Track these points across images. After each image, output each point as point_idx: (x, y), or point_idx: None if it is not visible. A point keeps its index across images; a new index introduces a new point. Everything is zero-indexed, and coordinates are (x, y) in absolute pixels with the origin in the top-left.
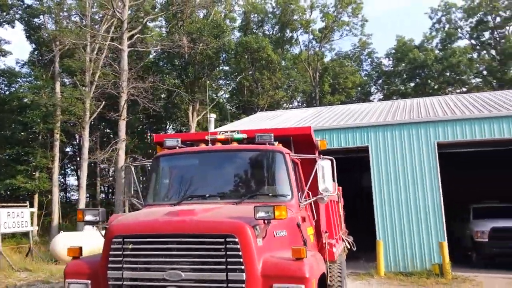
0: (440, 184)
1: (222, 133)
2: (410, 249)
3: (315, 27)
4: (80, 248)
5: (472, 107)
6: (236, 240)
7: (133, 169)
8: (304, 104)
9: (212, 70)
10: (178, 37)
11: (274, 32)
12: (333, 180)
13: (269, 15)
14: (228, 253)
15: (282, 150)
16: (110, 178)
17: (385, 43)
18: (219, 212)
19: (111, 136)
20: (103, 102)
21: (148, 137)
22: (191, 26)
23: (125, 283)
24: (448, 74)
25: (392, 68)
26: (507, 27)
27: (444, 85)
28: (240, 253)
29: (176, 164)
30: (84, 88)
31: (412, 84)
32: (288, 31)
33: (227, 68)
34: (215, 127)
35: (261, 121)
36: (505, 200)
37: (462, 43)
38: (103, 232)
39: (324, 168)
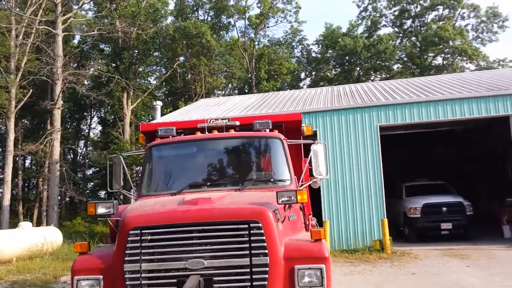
0: (381, 165)
1: (213, 121)
2: (353, 228)
3: (252, 13)
4: (88, 243)
5: (409, 92)
6: (260, 225)
7: (122, 159)
8: (237, 91)
9: (148, 56)
10: (111, 21)
11: (209, 17)
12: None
13: (204, 0)
14: (252, 238)
15: (280, 136)
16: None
17: (314, 30)
18: (236, 199)
19: (40, 126)
20: (31, 90)
21: (73, 126)
22: (125, 10)
23: (143, 275)
24: (374, 60)
25: (320, 55)
26: (427, 16)
27: (371, 71)
28: (264, 237)
29: (173, 153)
30: (9, 75)
31: (339, 70)
32: (224, 17)
33: (158, 54)
34: (161, 114)
35: (208, 107)
36: (434, 178)
37: (386, 30)
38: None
39: (318, 152)
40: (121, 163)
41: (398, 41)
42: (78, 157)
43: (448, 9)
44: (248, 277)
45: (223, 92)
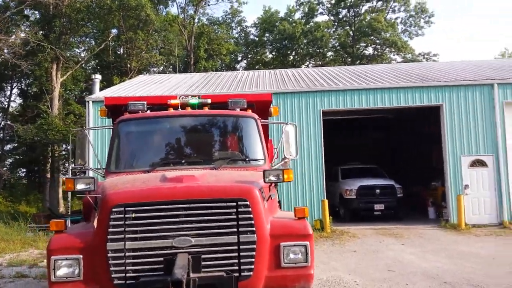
0: (323, 149)
1: (183, 98)
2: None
3: None
4: (65, 221)
5: (349, 79)
6: (248, 203)
7: (87, 134)
8: (171, 69)
9: (81, 26)
10: None
11: None
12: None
13: None
14: (239, 216)
15: (255, 116)
16: None
17: (252, 13)
18: (220, 177)
19: None
20: None
21: None
22: None
23: (127, 254)
24: (311, 47)
25: (257, 38)
26: (361, 6)
27: (307, 57)
28: (252, 215)
29: (145, 128)
30: None
31: (275, 54)
32: None
33: (89, 25)
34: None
35: (149, 84)
36: (366, 162)
37: (322, 18)
38: None
39: (289, 133)
40: (85, 138)
41: (333, 29)
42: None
43: (382, 1)
44: (236, 254)
45: (158, 69)
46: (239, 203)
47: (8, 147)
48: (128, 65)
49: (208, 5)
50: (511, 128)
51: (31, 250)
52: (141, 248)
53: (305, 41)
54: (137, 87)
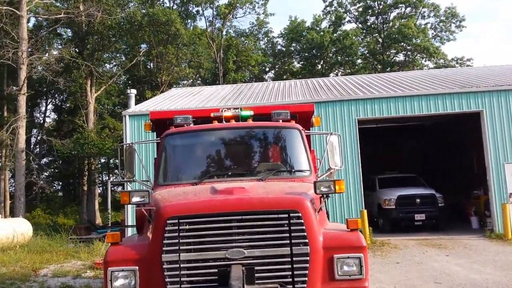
0: (360, 157)
1: (225, 110)
2: (333, 219)
3: (220, 2)
4: (120, 233)
5: (384, 87)
6: (300, 215)
7: (136, 148)
8: (199, 81)
9: (113, 42)
10: (75, 4)
11: (175, 5)
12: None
13: None
14: (292, 227)
15: (299, 127)
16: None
17: (278, 24)
18: (270, 188)
19: None
20: None
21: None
22: None
23: (182, 265)
24: (340, 55)
25: (284, 48)
26: (389, 13)
27: (336, 65)
28: (304, 227)
29: (192, 142)
30: None
31: (302, 64)
32: (191, 5)
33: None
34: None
35: (182, 97)
36: (404, 171)
37: (349, 26)
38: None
39: (334, 143)
40: (133, 152)
41: (362, 37)
42: (31, 146)
43: (410, 7)
44: (289, 266)
45: (188, 82)
46: (291, 214)
47: (44, 161)
48: (159, 79)
49: (235, 17)
50: None
51: (74, 261)
52: (195, 259)
53: (333, 49)
54: (170, 100)
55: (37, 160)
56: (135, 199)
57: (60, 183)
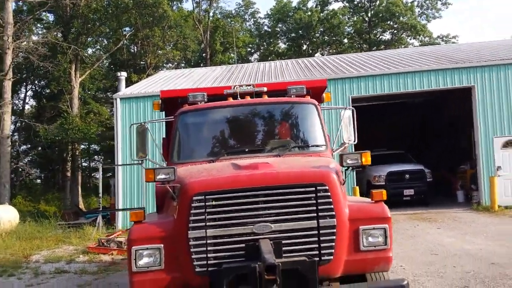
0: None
1: (238, 87)
2: None
3: None
4: (143, 211)
5: (376, 65)
6: (327, 187)
7: (148, 127)
8: (183, 64)
9: (99, 26)
10: None
11: None
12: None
13: None
14: (319, 200)
15: (315, 102)
16: None
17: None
18: (295, 163)
19: None
20: None
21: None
22: None
23: (208, 241)
24: (327, 35)
25: (270, 29)
26: None
27: (324, 45)
28: (331, 200)
29: (207, 119)
30: None
31: (288, 44)
32: None
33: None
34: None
35: (173, 79)
36: (393, 148)
37: (336, 6)
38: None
39: (349, 118)
40: (145, 131)
41: (348, 16)
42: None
43: None
44: (316, 239)
45: (173, 65)
46: (318, 187)
47: (23, 147)
48: (144, 62)
49: None
50: None
51: (65, 247)
52: (222, 235)
53: (321, 29)
54: (161, 82)
55: (18, 147)
56: (161, 176)
57: (38, 170)
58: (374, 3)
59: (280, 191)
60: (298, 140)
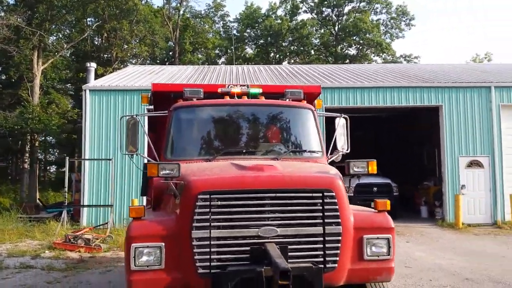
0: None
1: (233, 86)
2: None
3: None
4: (144, 208)
5: (348, 78)
6: (333, 194)
7: (140, 120)
8: (149, 61)
9: (66, 13)
10: None
11: None
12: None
13: None
14: (325, 207)
15: (312, 107)
16: None
17: (233, 8)
18: (299, 167)
19: None
20: None
21: None
22: None
23: (213, 242)
24: (296, 44)
25: (239, 34)
26: (344, 6)
27: (292, 55)
28: (337, 207)
29: (204, 116)
30: None
31: (256, 51)
32: None
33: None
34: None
35: (144, 75)
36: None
37: (305, 16)
38: None
39: (343, 126)
40: (136, 124)
41: (317, 27)
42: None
43: (365, 2)
44: (321, 246)
45: (139, 61)
46: (325, 193)
47: None
48: (109, 55)
49: None
50: (507, 131)
51: (28, 241)
52: (226, 237)
53: (290, 38)
54: (133, 77)
55: None
56: (165, 171)
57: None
58: (341, 18)
59: (287, 194)
60: (295, 144)
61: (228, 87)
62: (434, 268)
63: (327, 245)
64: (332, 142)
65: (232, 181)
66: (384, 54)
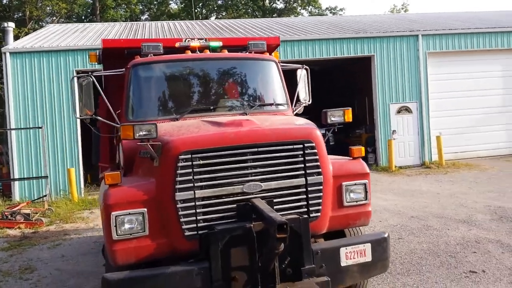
0: None
1: (190, 40)
2: None
3: None
4: (120, 173)
5: (285, 32)
6: (313, 145)
7: (94, 80)
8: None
9: None
10: None
11: None
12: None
13: None
14: (306, 158)
15: (275, 59)
16: None
17: None
18: (276, 121)
19: None
20: None
21: None
22: None
23: (197, 203)
24: None
25: None
26: None
27: (221, 9)
28: (317, 157)
29: (165, 73)
30: None
31: (182, 6)
32: None
33: None
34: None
35: (68, 34)
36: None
37: None
38: None
39: (304, 77)
40: (90, 84)
41: None
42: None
43: None
44: (304, 196)
45: (56, 19)
46: (306, 144)
47: None
48: (22, 14)
49: None
50: (433, 77)
51: None
52: (211, 196)
53: None
54: (55, 37)
55: None
56: (141, 133)
57: None
58: None
59: (269, 148)
60: (261, 98)
61: (185, 41)
62: (380, 209)
63: (310, 195)
64: (296, 95)
65: (213, 138)
66: (311, 7)
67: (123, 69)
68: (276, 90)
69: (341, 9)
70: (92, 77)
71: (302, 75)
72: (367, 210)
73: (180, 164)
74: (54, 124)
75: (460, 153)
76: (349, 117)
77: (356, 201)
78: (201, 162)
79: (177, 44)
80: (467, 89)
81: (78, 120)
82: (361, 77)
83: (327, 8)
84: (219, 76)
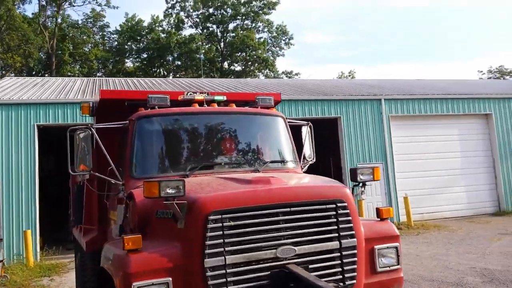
0: None
1: (191, 94)
2: None
3: None
4: (141, 237)
5: (250, 91)
6: (346, 205)
7: (95, 133)
8: (21, 73)
9: None
10: None
11: None
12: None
13: None
14: (339, 219)
15: (283, 115)
16: None
17: (113, 18)
18: (301, 178)
19: None
20: None
21: None
22: None
23: (228, 270)
24: (183, 59)
25: (120, 46)
26: (229, 24)
27: (181, 69)
28: (350, 218)
29: (173, 126)
30: None
31: (138, 64)
32: None
33: None
34: None
35: (27, 87)
36: None
37: (190, 31)
38: None
39: (308, 134)
40: (88, 138)
41: (204, 43)
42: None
43: (249, 20)
44: (339, 262)
45: (10, 73)
46: (338, 204)
47: None
48: None
49: (73, 5)
50: (397, 139)
51: None
52: (244, 262)
53: (177, 52)
54: (14, 89)
55: None
56: (168, 190)
57: None
58: (228, 34)
59: (302, 208)
60: (272, 154)
61: (187, 94)
62: None
63: (344, 260)
64: (303, 152)
65: (244, 196)
66: (267, 70)
67: (126, 121)
68: (285, 146)
69: (296, 74)
70: (92, 129)
71: (306, 132)
72: (399, 276)
73: (209, 226)
74: (10, 181)
75: (426, 214)
76: (377, 175)
77: (389, 266)
78: (232, 223)
79: (180, 97)
80: (427, 152)
81: (37, 178)
82: (327, 137)
83: (283, 72)
84: (227, 130)
